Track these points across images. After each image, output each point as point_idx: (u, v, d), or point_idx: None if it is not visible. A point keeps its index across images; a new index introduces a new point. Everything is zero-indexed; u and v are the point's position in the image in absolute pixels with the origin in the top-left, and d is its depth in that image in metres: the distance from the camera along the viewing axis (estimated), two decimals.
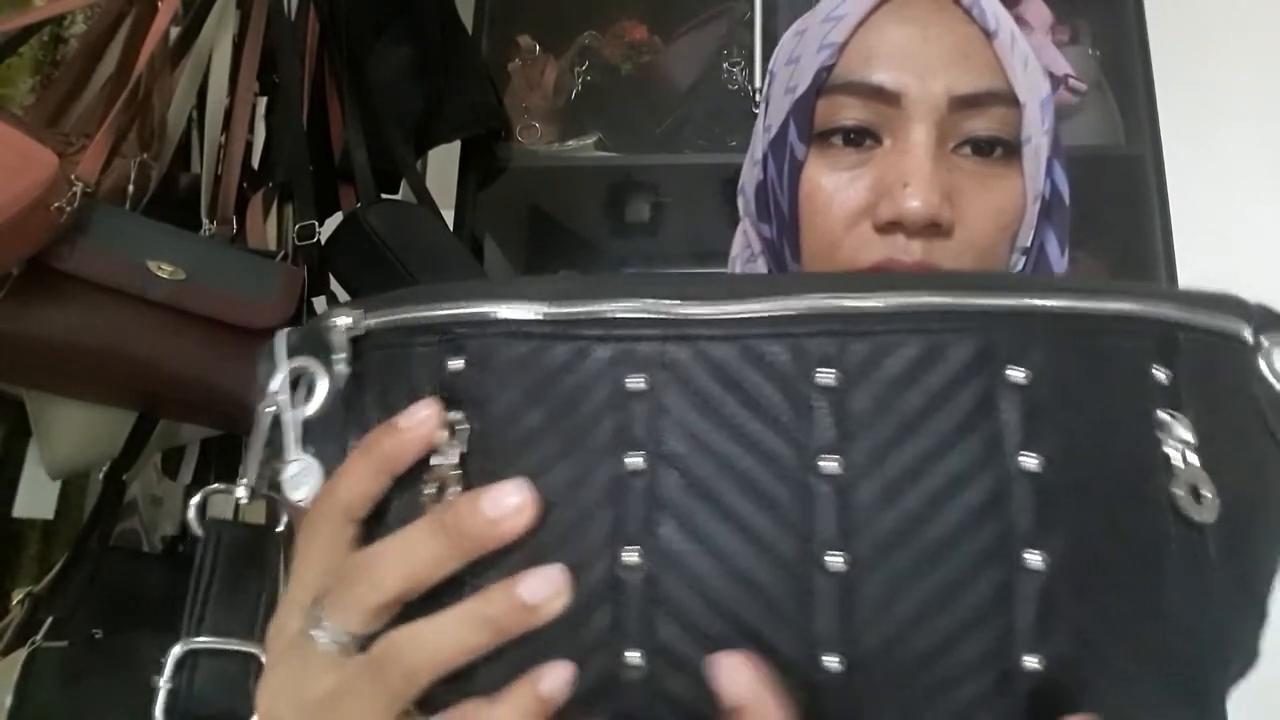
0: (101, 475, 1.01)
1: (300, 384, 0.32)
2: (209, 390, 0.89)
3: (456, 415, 0.30)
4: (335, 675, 0.30)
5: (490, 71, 1.36)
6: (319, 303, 1.02)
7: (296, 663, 0.31)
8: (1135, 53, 1.31)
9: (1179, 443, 0.28)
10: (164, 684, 0.35)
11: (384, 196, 1.09)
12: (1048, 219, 0.51)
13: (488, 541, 0.28)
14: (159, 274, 0.84)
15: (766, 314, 0.28)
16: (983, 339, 0.28)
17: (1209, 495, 0.28)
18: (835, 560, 0.27)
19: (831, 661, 0.27)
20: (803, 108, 0.50)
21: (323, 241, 1.01)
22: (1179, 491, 0.28)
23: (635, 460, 0.28)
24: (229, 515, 0.85)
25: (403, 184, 1.17)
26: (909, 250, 0.46)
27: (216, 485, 0.34)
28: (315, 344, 0.32)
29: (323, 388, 0.32)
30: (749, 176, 0.56)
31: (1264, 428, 0.30)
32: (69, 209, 0.76)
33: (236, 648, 0.35)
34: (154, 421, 0.99)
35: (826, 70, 0.49)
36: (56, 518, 1.18)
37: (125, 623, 0.92)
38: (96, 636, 0.90)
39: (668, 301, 0.29)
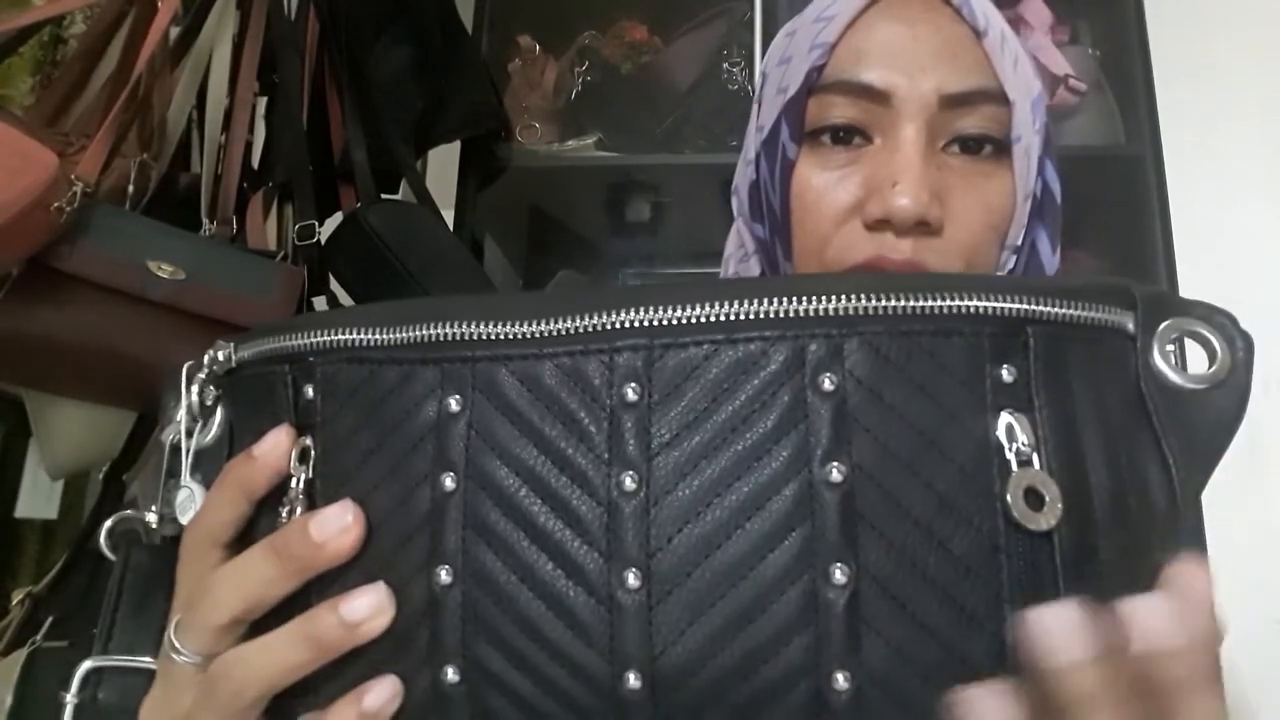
0: (101, 475, 1.01)
1: (200, 413, 0.33)
2: None
3: (307, 441, 0.31)
4: (191, 694, 0.31)
5: (490, 71, 1.36)
6: (319, 303, 1.02)
7: (166, 680, 0.32)
8: (1135, 53, 1.31)
9: (1017, 444, 0.27)
10: (70, 699, 0.36)
11: (384, 196, 1.09)
12: (1039, 217, 0.51)
13: (316, 563, 0.29)
14: (159, 274, 0.84)
15: (576, 330, 0.28)
16: (793, 346, 0.27)
17: (1050, 499, 0.26)
18: (635, 578, 0.26)
19: (634, 681, 0.26)
20: (794, 107, 0.50)
21: (323, 241, 1.01)
22: (1011, 497, 0.26)
23: (451, 480, 0.28)
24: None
25: (403, 184, 1.17)
26: (897, 249, 0.47)
27: (128, 512, 0.36)
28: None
29: (216, 417, 0.34)
30: (742, 176, 0.57)
31: (1144, 422, 0.28)
32: (69, 209, 0.76)
33: (140, 665, 0.36)
34: (154, 421, 0.99)
35: (817, 70, 0.49)
36: (56, 517, 1.18)
37: None
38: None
39: (481, 322, 0.29)
